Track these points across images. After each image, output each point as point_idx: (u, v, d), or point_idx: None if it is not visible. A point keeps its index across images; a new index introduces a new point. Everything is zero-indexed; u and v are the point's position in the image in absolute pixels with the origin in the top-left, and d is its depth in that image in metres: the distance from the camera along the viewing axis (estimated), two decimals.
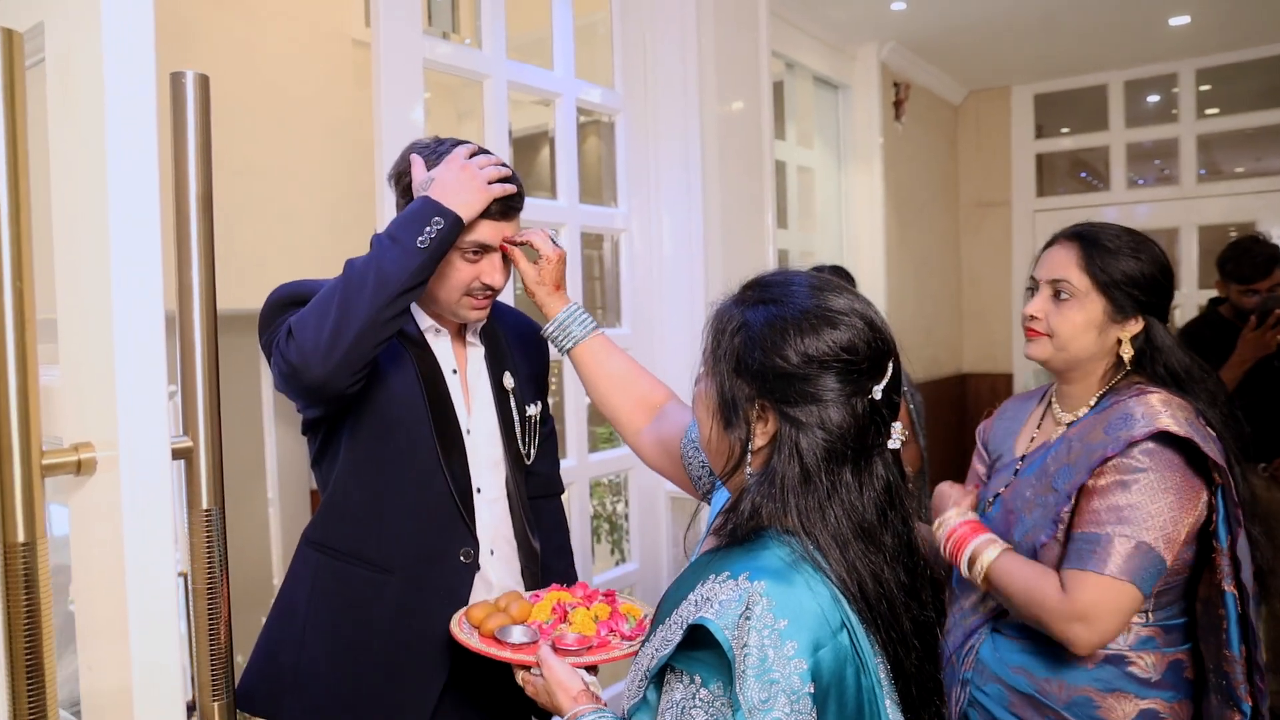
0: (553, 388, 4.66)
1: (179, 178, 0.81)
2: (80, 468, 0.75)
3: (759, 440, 0.91)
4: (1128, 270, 1.34)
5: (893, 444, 0.92)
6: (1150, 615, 1.31)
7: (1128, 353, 1.35)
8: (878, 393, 0.90)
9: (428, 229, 1.22)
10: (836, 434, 0.88)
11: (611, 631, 1.22)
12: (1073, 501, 1.29)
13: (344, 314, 1.18)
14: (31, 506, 0.72)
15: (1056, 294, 1.37)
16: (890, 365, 0.91)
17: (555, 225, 2.55)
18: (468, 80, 2.29)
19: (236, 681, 1.36)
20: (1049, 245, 1.44)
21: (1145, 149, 4.92)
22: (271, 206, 3.71)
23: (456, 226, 1.25)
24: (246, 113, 3.64)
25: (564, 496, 2.57)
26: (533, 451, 1.48)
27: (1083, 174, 5.44)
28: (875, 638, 0.87)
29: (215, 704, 0.85)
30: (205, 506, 0.83)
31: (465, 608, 1.29)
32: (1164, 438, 1.24)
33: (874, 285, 4.03)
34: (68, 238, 0.80)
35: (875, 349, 0.90)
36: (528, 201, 2.51)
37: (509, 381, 1.46)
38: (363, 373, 1.23)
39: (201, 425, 0.83)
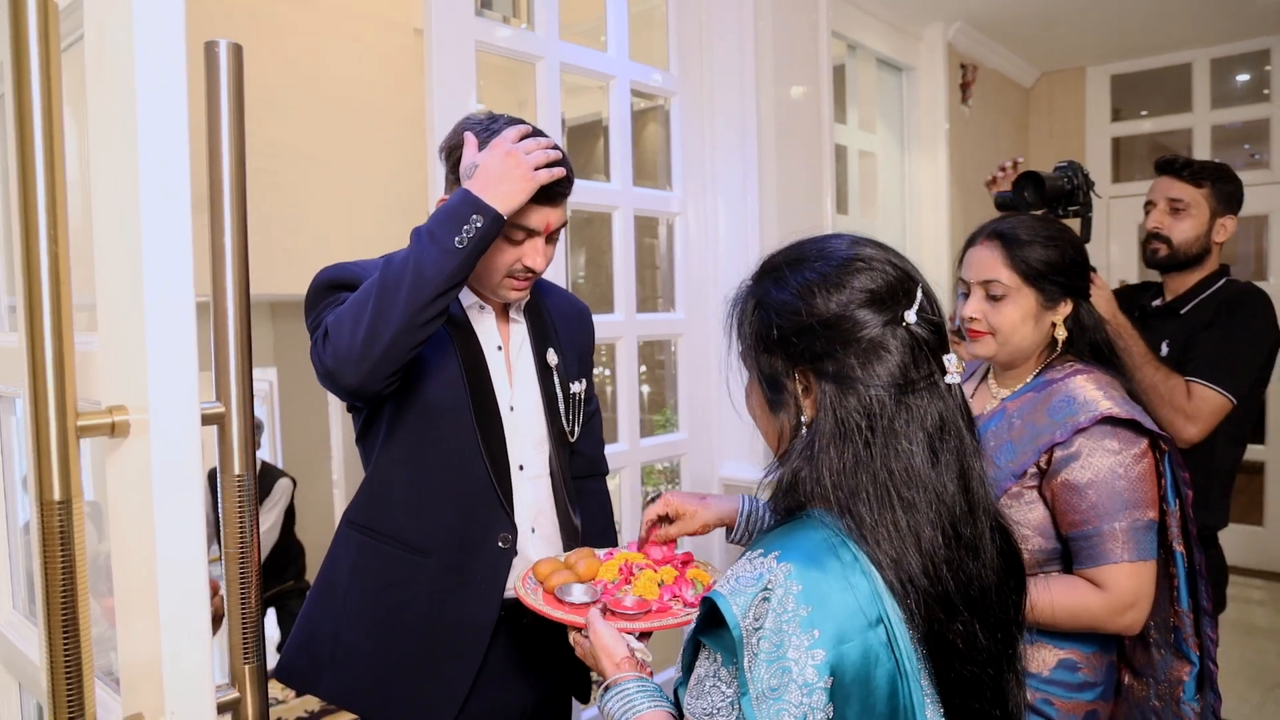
0: (605, 372, 4.68)
1: (211, 146, 0.82)
2: (114, 430, 0.77)
3: (808, 411, 0.86)
4: (1049, 259, 1.41)
5: (950, 378, 0.86)
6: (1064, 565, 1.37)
7: (1062, 334, 1.44)
8: (910, 316, 0.85)
9: (466, 227, 1.17)
10: (876, 376, 0.83)
11: (674, 597, 1.19)
12: (1024, 482, 1.36)
13: (379, 317, 1.15)
14: (67, 465, 0.73)
15: (989, 294, 1.44)
16: (919, 292, 0.86)
17: (607, 208, 2.54)
18: (526, 65, 2.29)
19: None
20: (969, 245, 1.51)
21: (1232, 131, 4.68)
22: (337, 193, 3.80)
23: (497, 223, 1.20)
24: (311, 103, 3.73)
25: (615, 481, 2.57)
26: (576, 429, 1.47)
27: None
28: (907, 614, 0.80)
29: (246, 668, 0.86)
30: (238, 472, 0.84)
31: (534, 562, 1.28)
32: (1109, 421, 1.32)
33: (937, 273, 3.92)
34: (105, 206, 0.82)
35: (896, 278, 0.86)
36: (581, 184, 2.53)
37: (552, 358, 1.45)
38: (398, 375, 1.21)
39: (234, 391, 0.84)
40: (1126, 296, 2.29)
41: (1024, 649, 0.91)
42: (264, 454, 5.47)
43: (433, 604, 1.33)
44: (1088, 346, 1.45)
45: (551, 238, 1.34)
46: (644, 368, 5.01)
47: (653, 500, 1.31)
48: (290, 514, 4.67)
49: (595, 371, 1.63)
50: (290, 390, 5.77)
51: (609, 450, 2.48)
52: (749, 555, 0.83)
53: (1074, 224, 2.08)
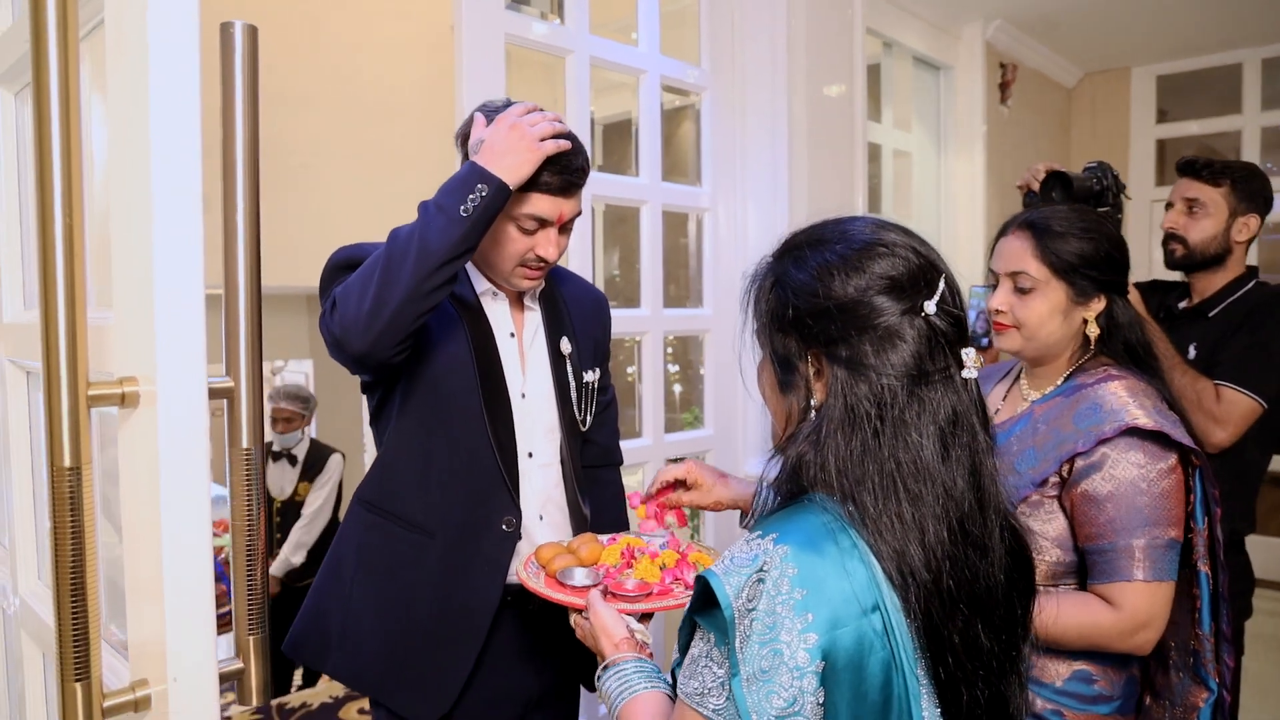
0: (629, 365, 4.68)
1: (225, 125, 0.84)
2: (124, 400, 0.79)
3: (819, 395, 0.85)
4: (1082, 252, 1.35)
5: (968, 373, 0.84)
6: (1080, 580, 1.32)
7: (1094, 332, 1.38)
8: (930, 307, 0.83)
9: (471, 196, 1.18)
10: (889, 365, 0.81)
11: (676, 580, 1.19)
12: (1044, 490, 1.31)
13: (385, 285, 1.17)
14: (78, 433, 0.75)
15: (1017, 285, 1.38)
16: (941, 281, 0.85)
17: (635, 203, 2.54)
18: (560, 61, 2.30)
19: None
20: (1001, 235, 1.45)
21: None
22: (372, 188, 3.85)
23: (502, 192, 1.20)
24: (348, 101, 3.79)
25: (637, 477, 2.57)
26: (588, 418, 1.47)
27: None
28: (905, 604, 0.79)
29: (251, 638, 0.87)
30: (245, 445, 0.85)
31: (537, 547, 1.29)
32: (1135, 432, 1.26)
33: (973, 275, 3.86)
34: (120, 186, 0.84)
35: (919, 266, 0.84)
36: (609, 179, 2.53)
37: (565, 346, 1.45)
38: (407, 343, 1.23)
39: (243, 366, 0.85)
40: (1150, 291, 2.26)
41: (1029, 653, 0.90)
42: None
43: (436, 585, 1.34)
44: (1121, 345, 1.39)
45: (565, 228, 1.35)
46: (676, 367, 5.00)
47: (676, 462, 1.29)
48: (338, 493, 4.67)
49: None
50: (326, 382, 5.86)
51: (632, 444, 2.49)
52: (747, 537, 0.82)
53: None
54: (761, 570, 0.77)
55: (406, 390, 1.35)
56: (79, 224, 0.74)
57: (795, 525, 0.81)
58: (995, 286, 1.43)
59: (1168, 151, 4.83)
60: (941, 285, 0.85)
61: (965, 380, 0.85)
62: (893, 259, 0.84)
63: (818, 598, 0.76)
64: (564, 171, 1.28)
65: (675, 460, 1.31)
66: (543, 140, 1.24)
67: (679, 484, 1.33)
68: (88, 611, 0.76)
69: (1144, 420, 1.25)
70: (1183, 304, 2.18)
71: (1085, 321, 1.38)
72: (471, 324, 1.37)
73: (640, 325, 2.55)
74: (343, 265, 1.32)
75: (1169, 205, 2.16)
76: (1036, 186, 2.06)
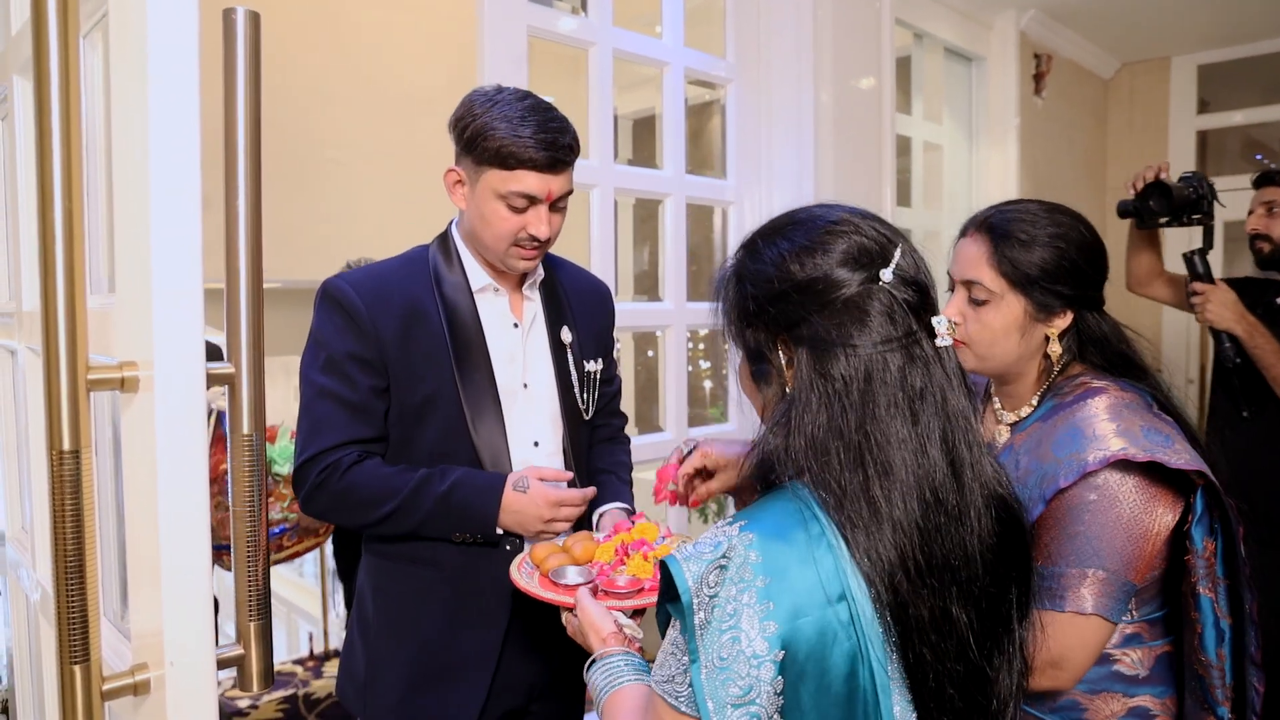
0: (648, 358, 4.61)
1: (227, 111, 0.84)
2: (124, 384, 0.79)
3: (790, 382, 0.86)
4: (1045, 263, 1.18)
5: (941, 341, 0.83)
6: (1134, 612, 1.18)
7: (1055, 351, 1.21)
8: (886, 275, 0.82)
9: (468, 536, 1.33)
10: (850, 336, 0.81)
11: None
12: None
13: (360, 516, 1.32)
14: (77, 417, 0.76)
15: (971, 296, 1.22)
16: (896, 252, 0.84)
17: (659, 195, 2.53)
18: (584, 54, 2.29)
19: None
20: (961, 235, 1.27)
21: None
22: (393, 183, 3.88)
23: (489, 537, 1.34)
24: (374, 96, 3.81)
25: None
26: (592, 407, 1.47)
27: (1258, 155, 4.95)
28: (872, 588, 0.77)
29: (252, 624, 0.87)
30: (246, 431, 0.85)
31: (530, 547, 1.30)
32: (1123, 465, 1.10)
33: None
34: (123, 172, 0.84)
35: (874, 239, 0.84)
36: (634, 172, 2.52)
37: (566, 336, 1.45)
38: None
39: (244, 353, 0.85)
40: (1244, 289, 2.28)
41: (1029, 634, 0.88)
42: None
43: (450, 615, 1.37)
44: (1102, 362, 1.24)
45: (556, 206, 1.34)
46: (708, 363, 4.98)
47: (689, 454, 1.22)
48: None
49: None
50: None
51: (654, 438, 2.48)
52: (718, 524, 0.82)
53: (1196, 232, 2.20)
54: (724, 557, 0.76)
55: (395, 418, 1.37)
56: (78, 211, 0.75)
57: (765, 513, 0.81)
58: (951, 290, 1.28)
59: (1209, 143, 4.71)
60: (897, 254, 0.84)
61: (939, 349, 0.84)
62: (848, 237, 0.84)
63: (780, 586, 0.75)
64: (550, 148, 1.28)
65: (687, 452, 1.25)
66: (550, 522, 1.33)
67: (702, 474, 1.24)
68: (86, 595, 0.76)
69: (1132, 450, 1.09)
70: (1279, 299, 2.30)
71: (1047, 339, 1.22)
72: (459, 341, 1.36)
73: (663, 319, 2.53)
74: (328, 302, 1.34)
75: (1250, 213, 2.35)
76: (1132, 194, 2.17)
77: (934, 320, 0.84)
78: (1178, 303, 2.39)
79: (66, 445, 0.75)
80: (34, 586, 1.35)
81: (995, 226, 1.22)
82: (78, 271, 0.75)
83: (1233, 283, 2.31)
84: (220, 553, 2.34)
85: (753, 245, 0.90)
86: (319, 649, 4.51)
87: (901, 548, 0.78)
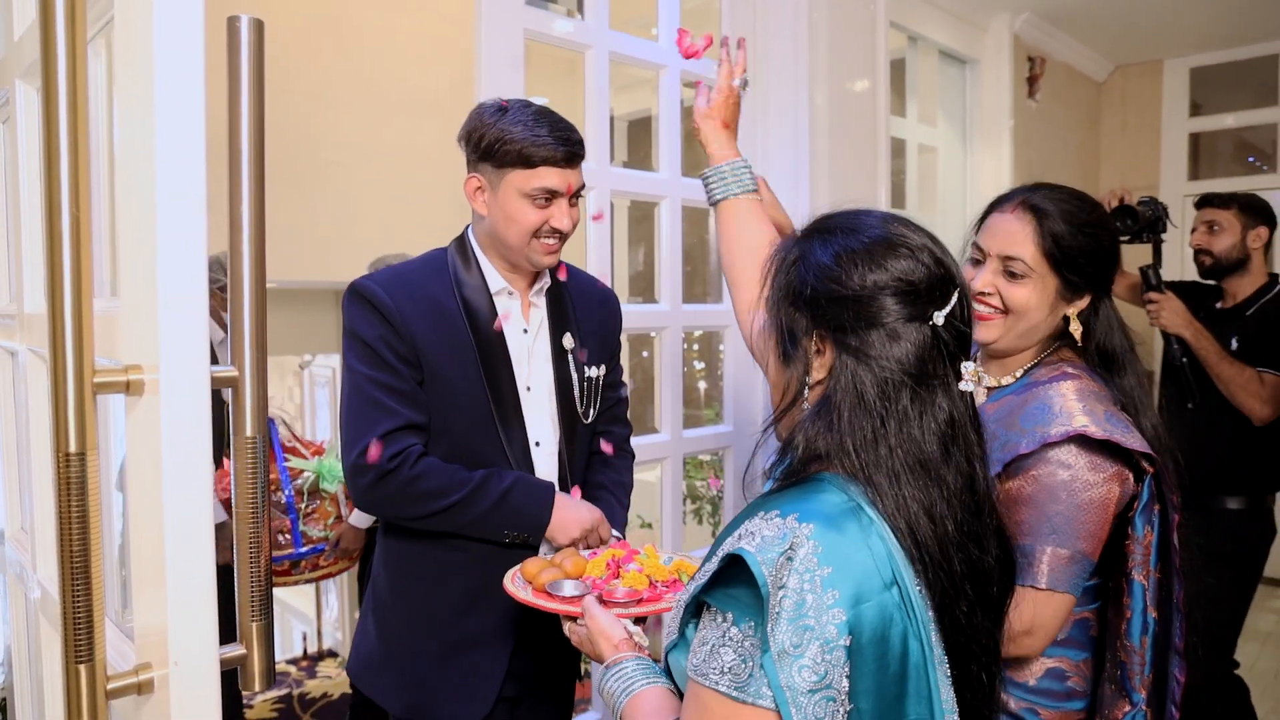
0: (643, 359, 4.63)
1: (232, 118, 0.85)
2: (129, 388, 0.80)
3: (817, 373, 0.89)
4: (1084, 247, 1.26)
5: (964, 386, 0.88)
6: None
7: (1076, 329, 1.29)
8: (939, 318, 0.86)
9: (517, 535, 1.39)
10: (894, 361, 0.85)
11: (665, 585, 1.23)
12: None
13: (422, 507, 1.35)
14: (83, 419, 0.77)
15: (1007, 269, 1.28)
16: (955, 295, 0.88)
17: (655, 197, 2.54)
18: (581, 57, 2.30)
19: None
20: (996, 209, 1.32)
21: None
22: (400, 186, 3.88)
23: (537, 533, 1.40)
24: (377, 99, 3.82)
25: (655, 472, 2.58)
26: (592, 412, 1.51)
27: (1250, 158, 4.98)
28: (923, 580, 0.83)
29: (254, 625, 0.88)
30: (249, 434, 0.86)
31: (520, 564, 1.32)
32: (1081, 440, 1.18)
33: None
34: (127, 176, 0.85)
35: (937, 275, 0.87)
36: (630, 174, 2.53)
37: (568, 342, 1.50)
38: None
39: (248, 356, 0.86)
40: (1189, 293, 2.70)
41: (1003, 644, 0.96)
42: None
43: (469, 598, 1.42)
44: (1095, 348, 1.31)
45: (573, 200, 1.42)
46: (702, 364, 5.00)
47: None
48: None
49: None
50: None
51: (650, 440, 2.49)
52: (764, 515, 0.83)
53: (1147, 250, 2.59)
54: (790, 548, 0.79)
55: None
56: (85, 218, 0.76)
57: (815, 505, 0.83)
58: (977, 263, 1.32)
59: (1201, 145, 4.74)
60: (954, 298, 0.88)
61: (961, 392, 0.88)
62: (914, 262, 0.87)
63: (842, 574, 0.78)
64: (565, 144, 1.37)
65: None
66: (589, 546, 1.41)
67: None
68: (91, 594, 0.77)
69: (1092, 428, 1.17)
70: (1219, 304, 2.68)
71: (1066, 319, 1.29)
72: (480, 340, 1.41)
73: (659, 320, 2.54)
74: (359, 302, 1.38)
75: (1193, 230, 2.72)
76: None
77: (962, 365, 0.88)
78: (1133, 300, 2.74)
79: (73, 448, 0.76)
80: (34, 586, 1.36)
81: (1039, 208, 1.27)
82: (85, 278, 0.76)
83: (1179, 286, 2.73)
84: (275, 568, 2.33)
85: (825, 234, 0.91)
86: (313, 649, 4.51)
87: (945, 551, 0.85)
